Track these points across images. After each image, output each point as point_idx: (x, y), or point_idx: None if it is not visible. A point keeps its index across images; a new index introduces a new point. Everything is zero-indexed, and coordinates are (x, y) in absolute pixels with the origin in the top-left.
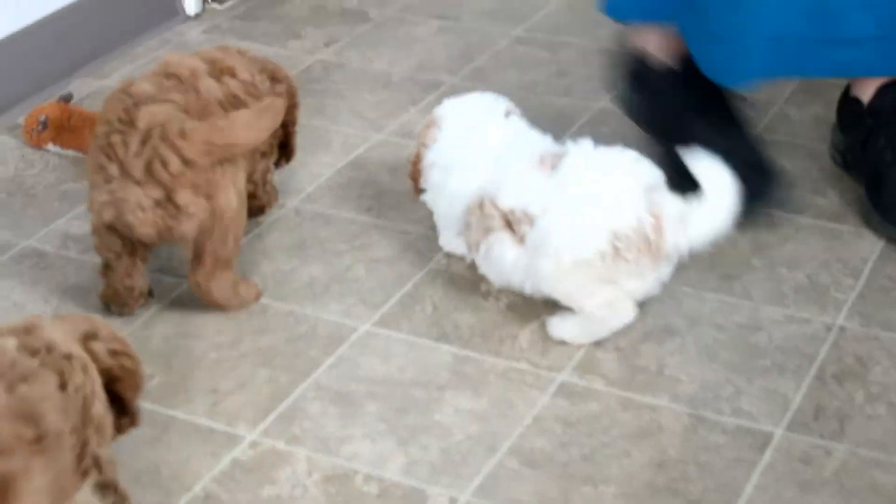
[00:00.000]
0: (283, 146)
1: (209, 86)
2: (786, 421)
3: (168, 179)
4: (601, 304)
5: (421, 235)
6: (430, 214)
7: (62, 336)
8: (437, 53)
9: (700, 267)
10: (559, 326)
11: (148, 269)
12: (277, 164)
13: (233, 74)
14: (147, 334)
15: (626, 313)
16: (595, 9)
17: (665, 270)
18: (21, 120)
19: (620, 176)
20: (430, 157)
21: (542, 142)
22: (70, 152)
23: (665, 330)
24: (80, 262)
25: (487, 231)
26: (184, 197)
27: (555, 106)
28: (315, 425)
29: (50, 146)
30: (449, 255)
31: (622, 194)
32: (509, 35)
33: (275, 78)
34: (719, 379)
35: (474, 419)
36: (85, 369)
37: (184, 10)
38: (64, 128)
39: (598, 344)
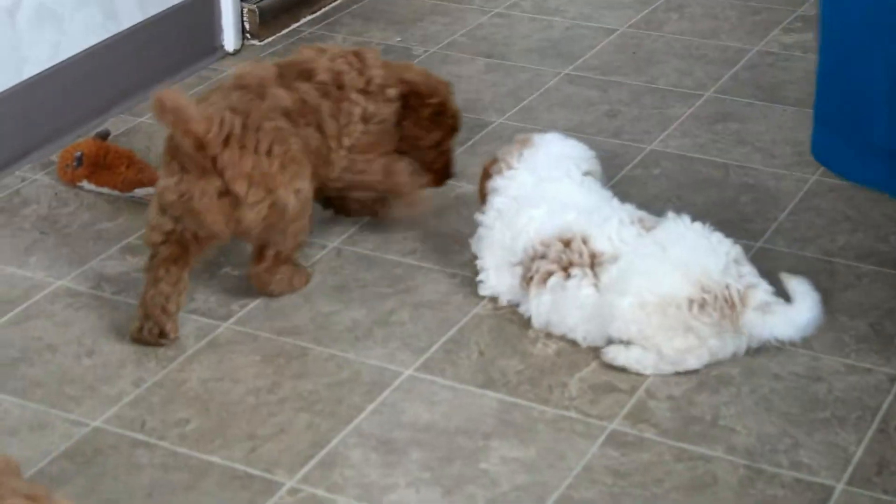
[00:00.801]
0: (439, 169)
1: (276, 94)
2: (847, 475)
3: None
4: (680, 349)
5: (467, 279)
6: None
7: None
8: (484, 92)
9: None
10: (621, 353)
11: (184, 310)
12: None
13: (309, 78)
14: (183, 377)
15: (699, 360)
16: (647, 48)
17: (741, 344)
18: (55, 157)
19: (716, 244)
20: (502, 181)
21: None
22: (105, 190)
23: (720, 379)
24: (115, 302)
25: (566, 266)
26: (240, 186)
27: (605, 148)
28: (357, 473)
29: (84, 183)
30: (495, 299)
31: (717, 259)
32: (559, 74)
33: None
34: (777, 430)
35: (522, 469)
36: None
37: (223, 47)
38: (99, 165)
39: (649, 392)
